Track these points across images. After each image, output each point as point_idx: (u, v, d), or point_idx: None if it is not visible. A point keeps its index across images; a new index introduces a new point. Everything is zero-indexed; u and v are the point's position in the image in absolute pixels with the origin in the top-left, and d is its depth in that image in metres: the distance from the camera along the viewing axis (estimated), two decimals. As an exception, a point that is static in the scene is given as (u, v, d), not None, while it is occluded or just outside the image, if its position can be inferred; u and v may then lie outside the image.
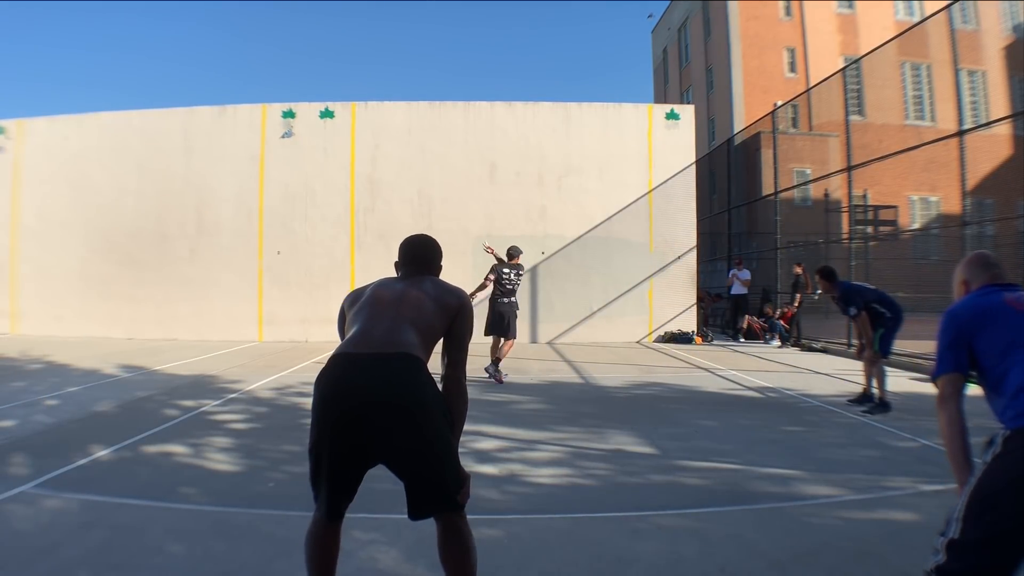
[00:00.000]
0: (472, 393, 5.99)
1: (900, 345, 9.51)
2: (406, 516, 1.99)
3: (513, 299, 7.42)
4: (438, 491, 1.96)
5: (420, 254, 2.41)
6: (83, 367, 8.28)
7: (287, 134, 12.77)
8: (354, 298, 2.26)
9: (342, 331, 2.26)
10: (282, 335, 12.32)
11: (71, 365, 8.46)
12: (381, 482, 3.72)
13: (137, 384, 7.09)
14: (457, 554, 2.02)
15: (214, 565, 2.60)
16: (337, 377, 1.98)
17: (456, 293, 2.24)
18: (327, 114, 12.78)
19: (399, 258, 2.42)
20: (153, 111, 13.17)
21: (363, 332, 2.06)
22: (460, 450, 4.44)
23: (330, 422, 1.92)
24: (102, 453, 4.25)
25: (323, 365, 2.06)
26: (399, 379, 1.93)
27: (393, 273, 2.48)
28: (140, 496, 3.42)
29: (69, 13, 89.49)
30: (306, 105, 12.86)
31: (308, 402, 6.57)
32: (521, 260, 7.65)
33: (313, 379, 2.04)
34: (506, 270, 7.41)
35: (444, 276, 2.42)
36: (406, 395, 1.92)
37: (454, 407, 2.09)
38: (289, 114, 12.79)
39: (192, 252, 12.75)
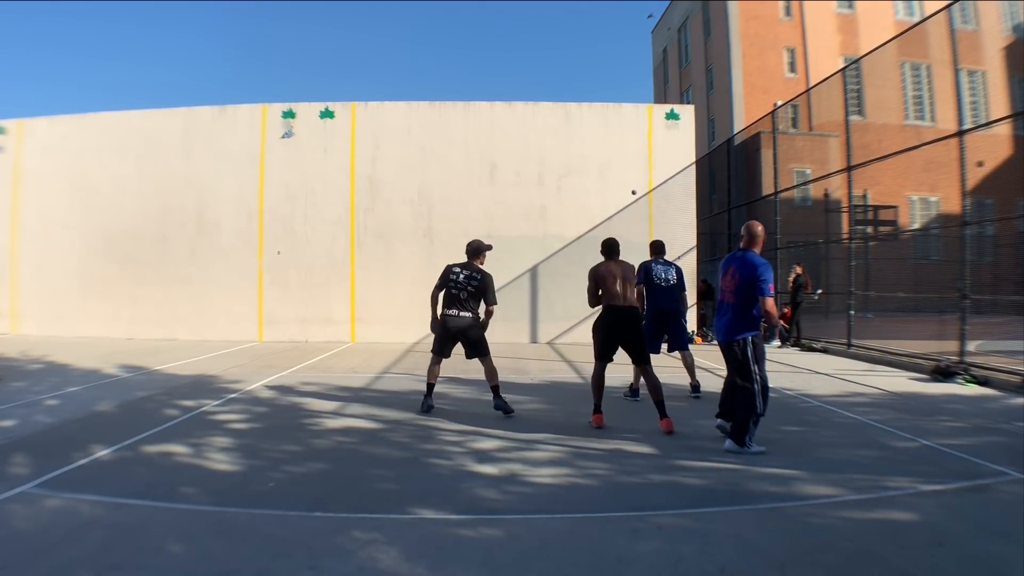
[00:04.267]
0: (472, 393, 5.96)
1: (899, 345, 9.54)
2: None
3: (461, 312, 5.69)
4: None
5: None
6: (83, 367, 8.28)
7: (287, 134, 12.77)
8: None
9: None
10: (282, 335, 12.32)
11: (71, 365, 8.46)
12: (382, 482, 3.73)
13: (137, 384, 7.09)
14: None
15: (214, 565, 2.61)
16: None
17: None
18: (327, 114, 12.78)
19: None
20: (153, 111, 13.17)
21: None
22: (459, 450, 4.44)
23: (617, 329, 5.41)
24: (102, 453, 4.25)
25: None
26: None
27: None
28: (140, 496, 3.42)
29: (70, 15, 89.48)
30: (306, 105, 12.87)
31: (308, 402, 6.57)
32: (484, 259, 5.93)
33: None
34: (456, 270, 5.76)
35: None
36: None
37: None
38: (289, 114, 12.79)
39: (192, 252, 12.75)
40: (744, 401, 4.28)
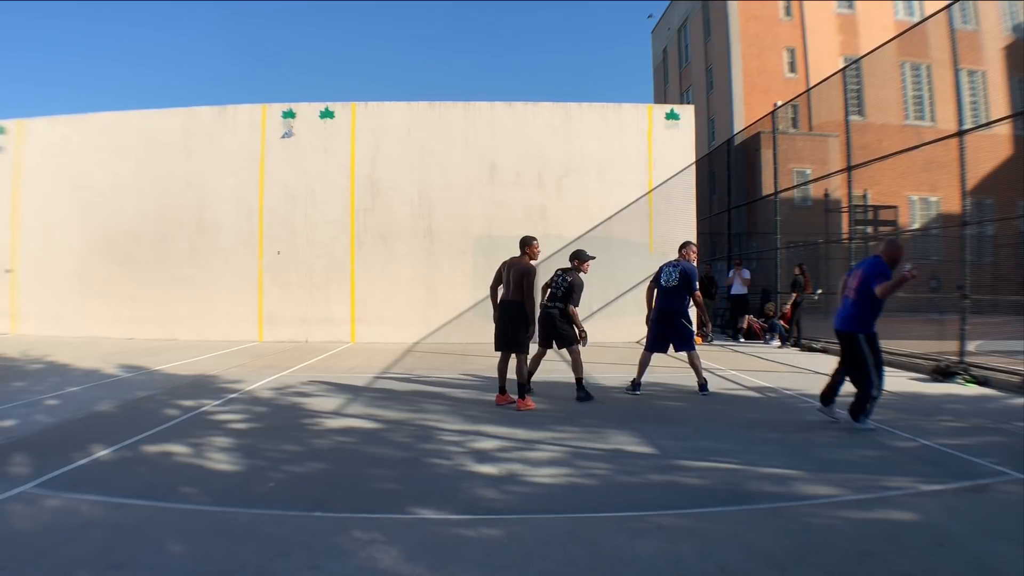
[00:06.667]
0: (471, 394, 5.94)
1: (899, 345, 9.53)
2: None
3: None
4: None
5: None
6: (83, 367, 8.27)
7: (287, 134, 12.76)
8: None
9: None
10: (282, 335, 12.31)
11: (71, 365, 8.46)
12: (382, 482, 3.74)
13: (137, 384, 7.09)
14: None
15: (214, 565, 2.61)
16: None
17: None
18: (327, 114, 12.78)
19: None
20: (154, 111, 13.16)
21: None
22: (459, 450, 4.44)
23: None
24: (102, 453, 4.25)
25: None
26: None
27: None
28: (140, 496, 3.42)
29: (70, 15, 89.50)
30: (306, 105, 12.86)
31: (308, 402, 6.56)
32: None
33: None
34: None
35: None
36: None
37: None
38: (289, 114, 12.79)
39: (192, 252, 12.75)
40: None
